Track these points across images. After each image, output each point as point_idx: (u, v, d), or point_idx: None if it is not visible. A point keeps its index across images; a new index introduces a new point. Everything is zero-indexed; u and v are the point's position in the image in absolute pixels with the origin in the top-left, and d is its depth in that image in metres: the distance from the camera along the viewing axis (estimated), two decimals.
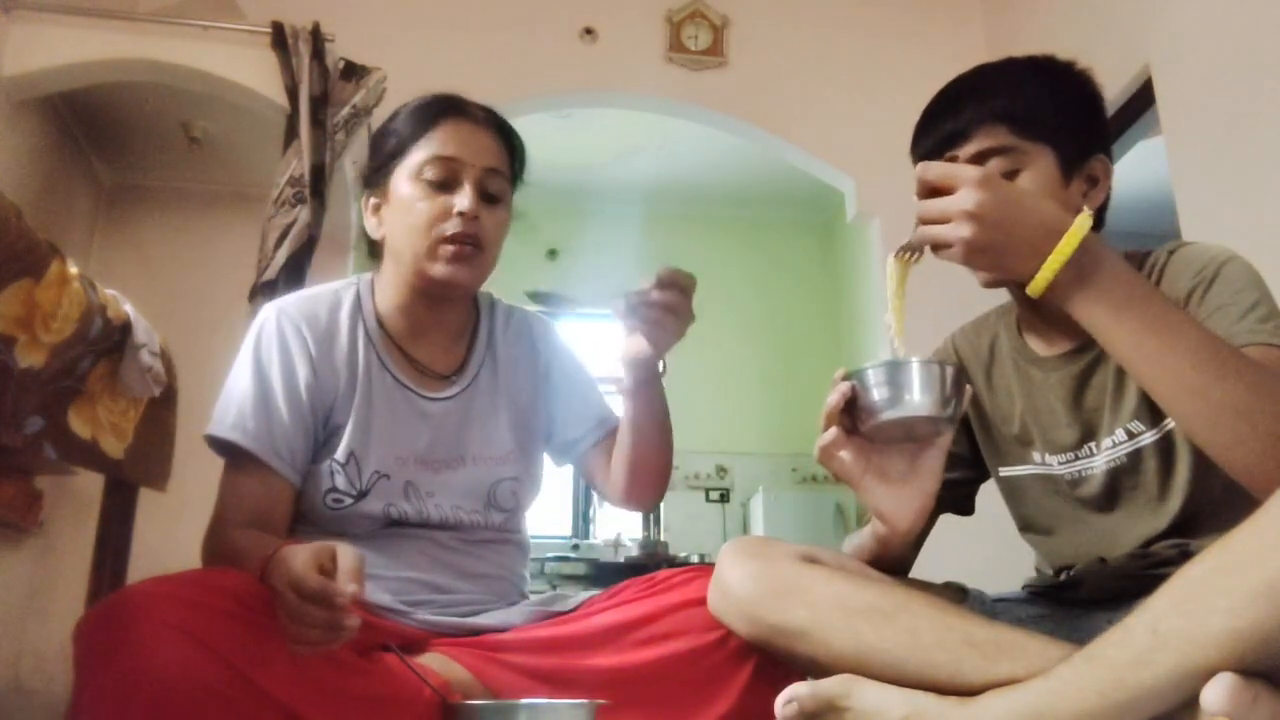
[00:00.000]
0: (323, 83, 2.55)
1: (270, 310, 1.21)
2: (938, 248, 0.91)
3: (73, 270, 1.31)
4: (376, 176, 1.24)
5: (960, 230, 0.88)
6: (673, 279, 1.08)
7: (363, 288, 1.26)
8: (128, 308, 1.49)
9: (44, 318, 1.25)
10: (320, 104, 2.53)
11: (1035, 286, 0.87)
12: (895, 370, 0.94)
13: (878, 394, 0.94)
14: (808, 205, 5.09)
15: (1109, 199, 1.12)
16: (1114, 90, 2.68)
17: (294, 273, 2.41)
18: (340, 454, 1.14)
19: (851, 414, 0.97)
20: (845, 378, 0.97)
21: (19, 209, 1.20)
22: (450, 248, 1.16)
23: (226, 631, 0.81)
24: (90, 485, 1.79)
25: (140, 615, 0.78)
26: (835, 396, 0.97)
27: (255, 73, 2.60)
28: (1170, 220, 2.37)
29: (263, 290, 2.34)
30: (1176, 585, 0.68)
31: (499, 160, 1.23)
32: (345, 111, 2.59)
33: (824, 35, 3.55)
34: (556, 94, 3.38)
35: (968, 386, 0.98)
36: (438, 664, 1.00)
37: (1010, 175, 1.04)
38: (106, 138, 2.97)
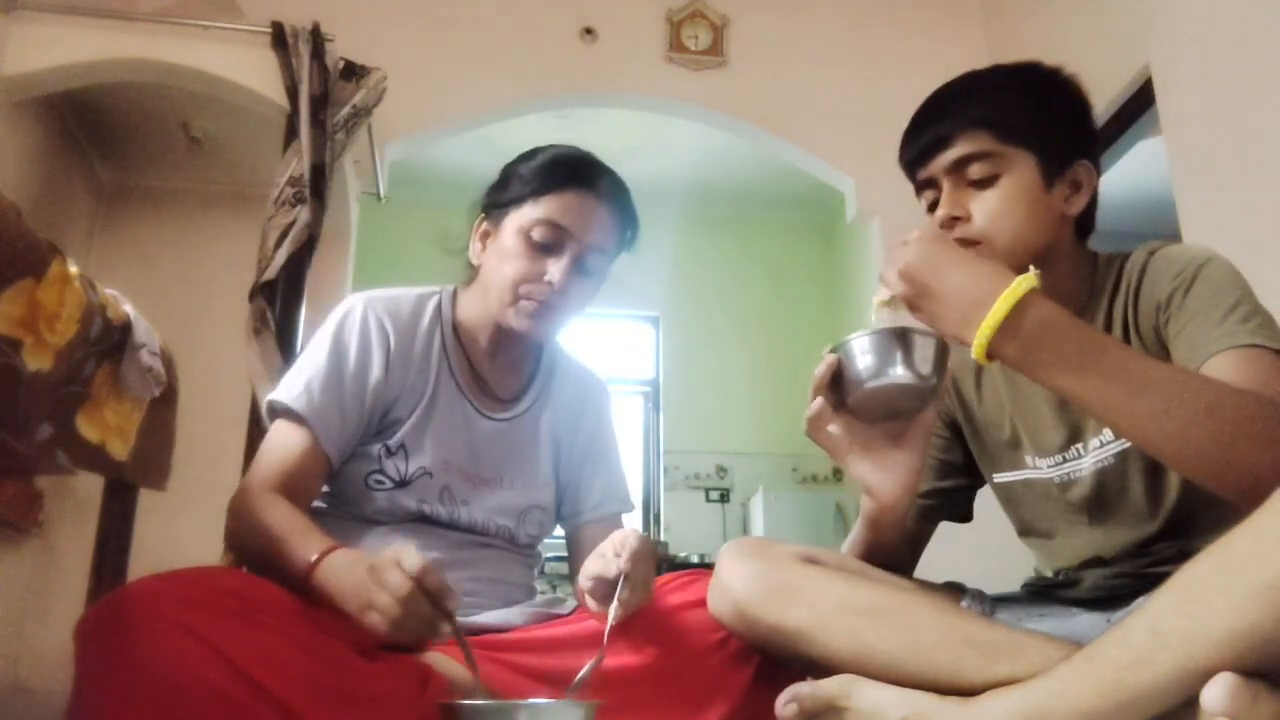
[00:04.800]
0: (323, 83, 2.55)
1: (359, 300, 1.24)
2: None
3: (73, 270, 1.31)
4: (494, 210, 1.26)
5: (897, 286, 0.91)
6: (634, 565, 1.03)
7: (445, 297, 1.30)
8: (128, 308, 1.49)
9: (48, 319, 1.25)
10: (320, 104, 2.53)
11: (976, 355, 0.87)
12: (879, 340, 0.95)
13: (861, 363, 0.95)
14: (808, 205, 5.10)
15: (1095, 204, 1.12)
16: (1114, 90, 2.68)
17: (294, 273, 2.40)
18: (393, 442, 1.18)
19: (838, 388, 0.99)
20: (834, 350, 0.99)
21: (19, 209, 1.20)
22: (530, 304, 1.20)
23: (228, 629, 0.81)
24: (90, 485, 1.79)
25: (142, 613, 0.78)
26: (822, 367, 0.98)
27: (255, 73, 2.60)
28: (1170, 220, 2.37)
29: (262, 290, 2.34)
30: (1176, 586, 0.68)
31: (607, 239, 1.24)
32: (345, 111, 2.59)
33: (824, 35, 3.55)
34: (556, 94, 3.38)
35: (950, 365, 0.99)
36: (438, 664, 1.00)
37: (991, 180, 1.05)
38: (106, 138, 2.97)
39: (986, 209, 1.04)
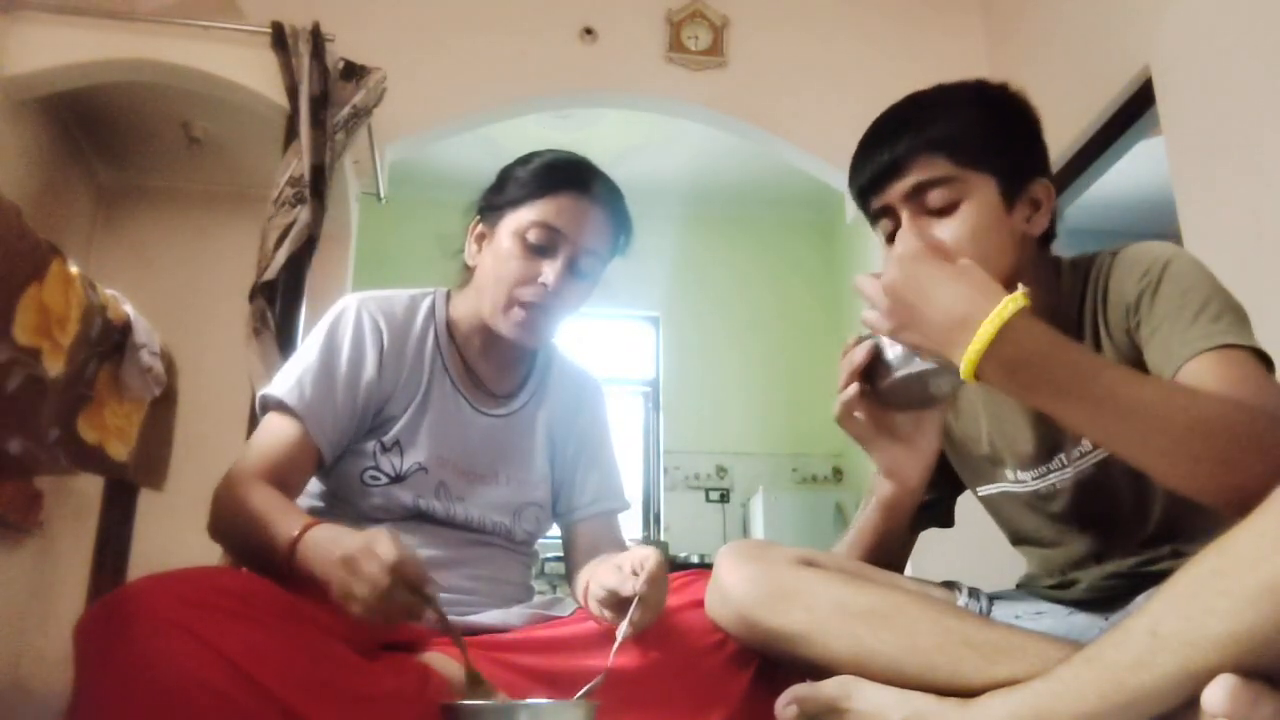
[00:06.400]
0: (323, 83, 2.54)
1: (353, 300, 1.26)
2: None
3: (73, 270, 1.31)
4: (489, 212, 1.27)
5: (883, 303, 0.90)
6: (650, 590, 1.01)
7: (438, 298, 1.32)
8: (128, 308, 1.49)
9: (58, 321, 1.25)
10: (320, 104, 2.52)
11: (965, 376, 0.85)
12: None
13: (892, 352, 0.97)
14: (808, 205, 5.10)
15: (1056, 220, 1.09)
16: (1114, 90, 2.68)
17: (294, 273, 2.40)
18: (388, 439, 1.20)
19: (868, 376, 1.00)
20: (859, 341, 0.99)
21: (19, 209, 1.20)
22: (522, 311, 1.21)
23: (228, 630, 0.81)
24: (90, 485, 1.79)
25: (142, 613, 0.78)
26: (860, 353, 0.99)
27: (255, 73, 2.59)
28: (1170, 220, 2.37)
29: (262, 290, 2.33)
30: (1175, 587, 0.68)
31: (601, 243, 1.25)
32: (345, 111, 2.58)
33: (824, 35, 3.55)
34: (556, 94, 3.38)
35: None
36: (438, 664, 1.00)
37: (951, 206, 1.01)
38: (106, 138, 2.96)
39: (950, 239, 0.99)
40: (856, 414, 1.02)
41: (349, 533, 0.94)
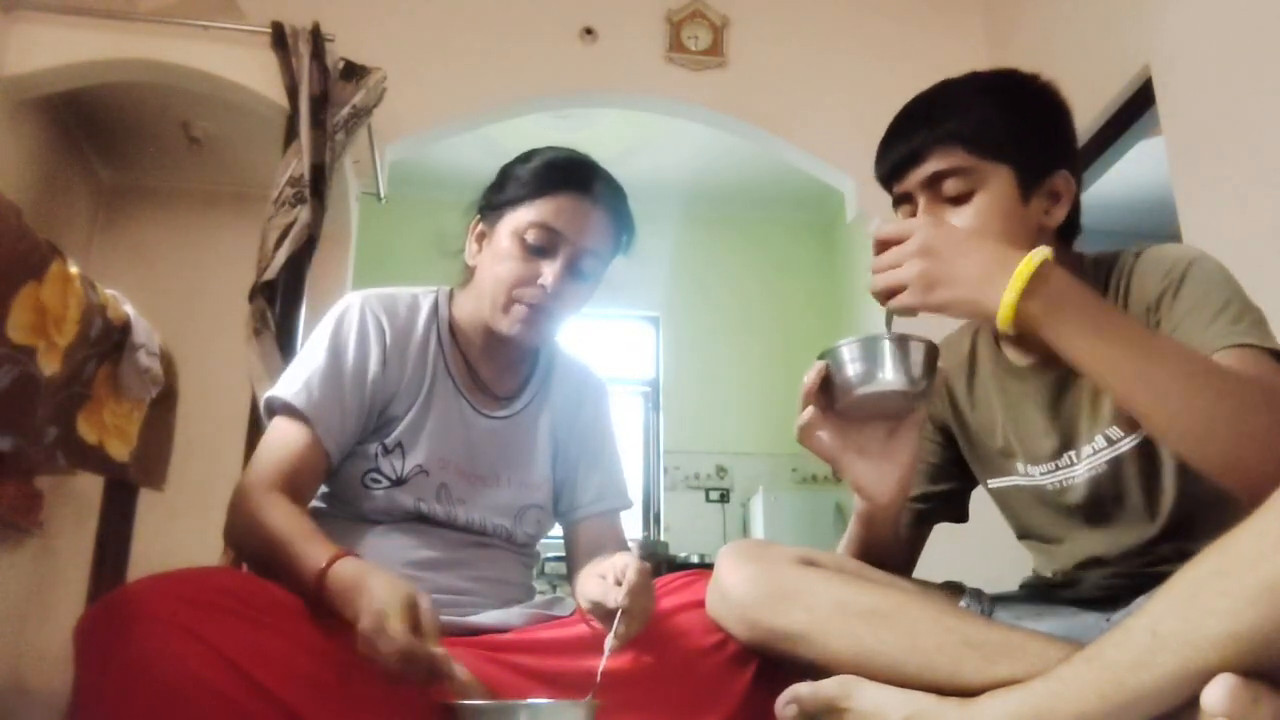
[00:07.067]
0: (323, 83, 2.54)
1: (355, 298, 1.25)
2: (893, 294, 0.92)
3: (73, 270, 1.31)
4: (490, 211, 1.27)
5: (913, 268, 0.90)
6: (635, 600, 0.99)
7: (441, 297, 1.31)
8: (128, 308, 1.49)
9: (55, 320, 1.25)
10: (320, 104, 2.52)
11: (1003, 319, 0.86)
12: (867, 346, 0.95)
13: (851, 370, 0.96)
14: (808, 205, 5.10)
15: (1079, 214, 1.09)
16: (1114, 90, 2.68)
17: (294, 273, 2.40)
18: (390, 440, 1.19)
19: (828, 392, 0.99)
20: (822, 357, 0.99)
21: (19, 209, 1.20)
22: (523, 309, 1.20)
23: (228, 630, 0.81)
24: (90, 485, 1.79)
25: (142, 613, 0.78)
26: (811, 375, 0.99)
27: (255, 73, 2.60)
28: (1170, 220, 2.37)
29: (262, 290, 2.33)
30: (1175, 587, 0.68)
31: (602, 243, 1.24)
32: (345, 111, 2.58)
33: (824, 36, 3.55)
34: (556, 94, 3.38)
35: (940, 364, 0.98)
36: None
37: (965, 196, 1.02)
38: (106, 138, 2.96)
39: (963, 228, 1.01)
40: (821, 433, 1.02)
41: (368, 584, 0.88)
